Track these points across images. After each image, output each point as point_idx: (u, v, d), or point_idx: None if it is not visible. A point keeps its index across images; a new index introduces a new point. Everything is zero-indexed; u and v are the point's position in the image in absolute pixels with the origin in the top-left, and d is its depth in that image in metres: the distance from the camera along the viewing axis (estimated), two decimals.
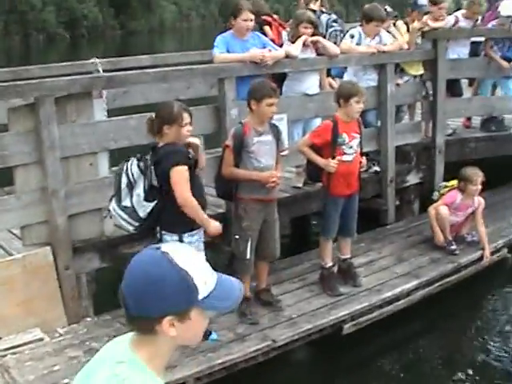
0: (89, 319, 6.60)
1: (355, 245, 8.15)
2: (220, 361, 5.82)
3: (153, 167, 5.48)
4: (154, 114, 5.59)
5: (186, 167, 5.39)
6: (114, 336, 5.56)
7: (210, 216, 6.88)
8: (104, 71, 7.97)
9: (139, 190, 5.54)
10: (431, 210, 8.18)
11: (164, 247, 2.22)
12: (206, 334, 5.99)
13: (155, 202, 5.53)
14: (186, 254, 2.23)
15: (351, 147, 6.78)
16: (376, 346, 6.99)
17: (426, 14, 9.44)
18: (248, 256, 6.34)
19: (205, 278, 2.20)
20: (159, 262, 2.16)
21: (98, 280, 6.87)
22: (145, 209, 5.56)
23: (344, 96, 6.72)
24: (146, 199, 5.54)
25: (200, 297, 2.17)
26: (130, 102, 8.30)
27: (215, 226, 5.61)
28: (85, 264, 6.67)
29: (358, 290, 7.11)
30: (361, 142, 6.95)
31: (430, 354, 6.81)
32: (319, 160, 6.77)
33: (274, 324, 6.38)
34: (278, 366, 6.23)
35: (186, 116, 5.47)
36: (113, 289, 7.10)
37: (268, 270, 6.83)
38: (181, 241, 5.51)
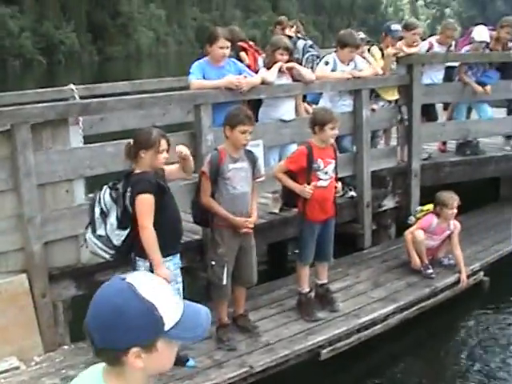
0: (65, 347, 6.54)
1: (332, 270, 8.16)
2: None
3: (126, 194, 5.48)
4: (132, 140, 5.60)
5: (150, 196, 5.37)
6: (91, 364, 5.54)
7: (186, 243, 6.94)
8: (81, 97, 7.97)
9: (112, 219, 5.55)
10: (407, 234, 8.21)
11: (129, 278, 2.21)
12: (184, 361, 5.98)
13: (128, 229, 5.52)
14: (152, 285, 2.22)
15: (326, 173, 6.81)
16: (354, 371, 6.98)
17: (400, 39, 9.52)
18: (225, 282, 6.33)
19: (170, 309, 2.20)
20: (124, 293, 2.16)
21: (75, 307, 6.82)
22: (119, 237, 5.56)
23: (319, 123, 6.78)
24: (119, 227, 5.54)
25: (166, 328, 2.17)
26: (106, 129, 8.29)
27: (164, 273, 5.42)
28: (61, 291, 6.62)
29: (336, 315, 7.10)
30: (336, 168, 6.99)
31: (408, 379, 6.83)
32: (295, 186, 6.80)
33: (252, 350, 6.36)
34: None
35: (163, 143, 5.47)
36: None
37: (245, 296, 6.82)
38: (150, 269, 5.49)
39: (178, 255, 5.81)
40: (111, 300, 2.16)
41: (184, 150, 5.72)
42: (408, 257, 8.29)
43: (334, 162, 6.92)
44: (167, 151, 5.55)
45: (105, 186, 5.64)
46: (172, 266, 5.66)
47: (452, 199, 8.02)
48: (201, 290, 7.56)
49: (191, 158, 5.90)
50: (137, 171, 5.52)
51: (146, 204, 5.39)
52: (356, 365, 7.01)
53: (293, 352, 6.43)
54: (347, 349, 6.88)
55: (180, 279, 5.90)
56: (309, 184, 6.70)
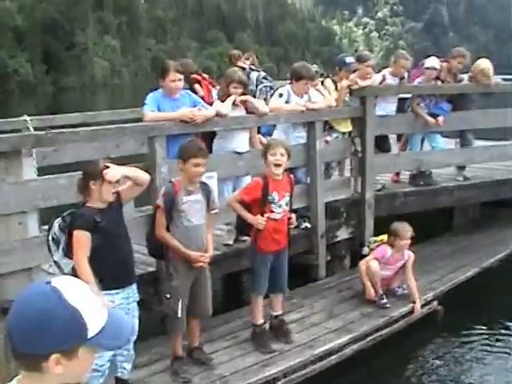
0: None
1: (287, 301, 8.16)
2: None
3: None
4: (81, 173, 5.59)
5: (84, 232, 5.35)
6: None
7: (140, 275, 6.89)
8: (34, 129, 7.92)
9: (61, 248, 5.53)
10: (362, 264, 8.26)
11: (54, 282, 2.16)
12: None
13: None
14: (77, 291, 2.18)
15: (280, 206, 6.85)
16: None
17: (354, 72, 9.62)
18: (179, 314, 6.30)
19: (94, 316, 2.16)
20: (48, 297, 2.11)
21: None
22: (67, 265, 5.54)
23: (264, 150, 6.88)
24: (67, 256, 5.51)
25: (89, 335, 2.14)
26: (60, 160, 8.24)
27: (104, 299, 5.45)
28: None
29: (291, 347, 7.09)
30: (291, 200, 7.02)
31: None
32: (248, 216, 6.81)
33: (207, 383, 6.31)
34: None
35: None
36: None
37: (200, 328, 6.79)
38: None
39: (132, 289, 5.76)
40: (35, 303, 2.11)
41: (113, 176, 5.63)
42: (362, 287, 8.33)
43: (288, 194, 6.94)
44: (118, 181, 5.52)
45: (59, 216, 5.61)
46: (119, 299, 5.59)
47: (405, 230, 8.09)
48: (156, 322, 7.50)
49: (133, 170, 5.86)
50: (87, 204, 5.49)
51: (78, 240, 5.37)
52: None
53: None
54: (302, 380, 6.87)
55: (136, 313, 5.86)
56: (262, 215, 6.72)
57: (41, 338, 2.08)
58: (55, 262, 5.61)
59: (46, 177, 6.89)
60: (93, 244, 5.39)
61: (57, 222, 5.56)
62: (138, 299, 5.88)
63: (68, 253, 5.49)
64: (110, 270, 5.46)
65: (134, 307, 5.82)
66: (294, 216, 7.07)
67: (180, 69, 7.70)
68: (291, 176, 7.11)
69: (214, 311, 6.85)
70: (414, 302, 8.21)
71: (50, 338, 2.08)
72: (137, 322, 5.83)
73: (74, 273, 5.51)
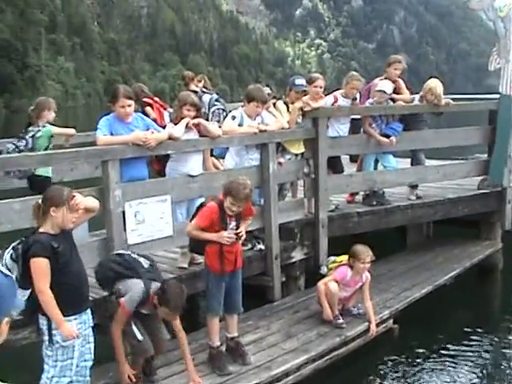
0: None
1: (243, 322, 8.19)
2: None
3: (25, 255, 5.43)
4: (40, 200, 5.53)
5: (43, 259, 5.32)
6: None
7: (96, 300, 6.87)
8: None
9: (14, 278, 5.47)
10: (321, 285, 8.28)
11: None
12: None
13: (29, 289, 5.45)
14: None
15: (232, 228, 6.89)
16: None
17: (304, 93, 9.70)
18: (140, 337, 6.33)
19: None
20: None
21: None
22: (21, 296, 5.47)
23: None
24: (20, 287, 5.45)
25: None
26: (13, 185, 8.19)
27: (67, 330, 5.43)
28: None
29: (248, 368, 7.08)
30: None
31: None
32: (211, 236, 6.82)
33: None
34: None
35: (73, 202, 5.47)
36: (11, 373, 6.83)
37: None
38: (49, 325, 5.46)
39: (87, 314, 5.74)
40: None
41: (82, 204, 5.64)
42: (320, 307, 8.36)
43: (247, 219, 7.04)
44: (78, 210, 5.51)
45: (10, 246, 5.56)
46: (76, 325, 5.57)
47: (366, 254, 8.15)
48: (112, 347, 7.45)
49: (90, 200, 5.85)
50: (40, 230, 5.46)
51: (39, 268, 5.35)
52: None
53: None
54: None
55: (91, 339, 5.83)
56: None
57: None
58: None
59: None
60: (51, 269, 5.36)
61: (7, 253, 5.51)
62: (92, 324, 5.86)
63: (24, 283, 5.42)
64: (69, 296, 5.45)
65: (90, 333, 5.80)
66: (243, 234, 7.05)
67: (129, 94, 7.69)
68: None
69: (171, 334, 6.83)
70: (369, 322, 8.27)
71: None
72: (92, 346, 5.81)
73: (29, 303, 5.48)
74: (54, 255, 5.35)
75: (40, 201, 5.52)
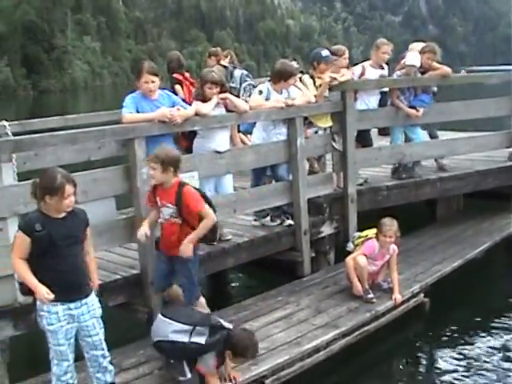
0: None
1: (273, 298, 8.21)
2: None
3: None
4: (38, 179, 5.46)
5: (22, 235, 5.30)
6: None
7: (125, 278, 6.87)
8: (13, 134, 7.85)
9: None
10: (349, 260, 8.23)
11: None
12: None
13: None
14: None
15: (163, 213, 6.82)
16: None
17: (333, 64, 9.62)
18: (189, 375, 6.28)
19: None
20: None
21: (12, 348, 6.68)
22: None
23: None
24: None
25: None
26: (41, 165, 8.13)
27: (39, 293, 5.30)
28: None
29: (278, 344, 7.07)
30: (177, 214, 6.75)
31: None
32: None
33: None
34: None
35: (68, 188, 5.33)
36: (28, 356, 6.94)
37: None
38: (40, 308, 5.45)
39: (86, 304, 5.61)
40: None
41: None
42: (349, 282, 8.33)
43: (172, 206, 6.74)
44: (74, 193, 5.45)
45: None
46: (62, 311, 5.46)
47: (388, 227, 8.10)
48: (141, 324, 7.47)
49: None
50: (41, 210, 5.41)
51: (15, 241, 5.38)
52: None
53: (236, 383, 6.39)
54: (291, 377, 6.86)
55: (98, 330, 5.72)
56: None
57: None
58: None
59: (26, 182, 6.82)
60: (34, 251, 5.32)
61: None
62: (98, 315, 5.72)
63: None
64: (51, 282, 5.34)
65: (94, 324, 5.68)
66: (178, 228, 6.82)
67: (154, 70, 7.64)
68: (185, 190, 6.71)
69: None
70: (393, 292, 8.24)
71: None
72: (100, 337, 5.75)
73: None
74: (35, 238, 5.30)
75: (37, 182, 5.45)
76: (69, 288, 5.47)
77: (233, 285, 10.64)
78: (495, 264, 10.38)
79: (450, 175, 11.00)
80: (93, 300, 5.69)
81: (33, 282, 5.33)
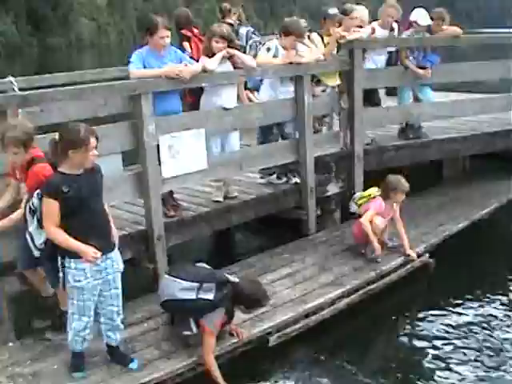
0: (11, 344, 6.40)
1: (278, 256, 8.24)
2: (147, 379, 5.76)
3: None
4: (57, 136, 5.40)
5: (51, 200, 5.23)
6: (37, 360, 5.49)
7: (131, 234, 6.86)
8: (20, 90, 7.81)
9: (36, 217, 5.44)
10: (366, 222, 8.14)
11: None
12: (126, 361, 5.93)
13: None
14: None
15: None
16: (302, 357, 6.97)
17: (339, 23, 9.54)
18: (196, 330, 6.26)
19: None
20: None
21: (19, 303, 6.71)
22: (40, 237, 5.44)
23: None
24: (41, 227, 5.43)
25: None
26: (47, 121, 8.11)
27: (86, 254, 5.32)
28: (5, 287, 6.50)
29: (283, 301, 7.13)
30: None
31: (357, 362, 6.85)
32: None
33: (200, 340, 6.32)
34: (205, 381, 6.15)
35: (92, 140, 5.31)
36: (34, 311, 6.94)
37: None
38: (65, 266, 5.42)
39: (110, 259, 5.62)
40: None
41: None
42: (355, 241, 8.38)
43: None
44: (96, 147, 5.42)
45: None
46: (88, 267, 5.44)
47: (404, 184, 8.14)
48: (147, 280, 7.51)
49: None
50: (58, 169, 5.38)
51: (45, 208, 5.29)
52: (305, 350, 7.01)
53: (241, 339, 6.44)
54: (295, 334, 6.90)
55: (118, 284, 5.75)
56: None
57: None
58: (29, 233, 5.53)
59: None
60: (62, 212, 5.27)
61: (36, 193, 5.46)
62: (121, 269, 5.75)
63: (41, 224, 5.42)
64: (83, 240, 5.35)
65: (116, 278, 5.72)
66: None
67: (168, 25, 7.60)
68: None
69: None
70: (403, 245, 8.36)
71: None
72: (119, 292, 5.78)
73: (47, 245, 5.46)
74: (64, 199, 5.24)
75: (57, 138, 5.41)
76: (98, 244, 5.46)
77: (238, 242, 10.65)
78: (501, 226, 10.35)
79: (458, 136, 10.97)
80: (116, 254, 5.72)
81: (76, 245, 5.32)
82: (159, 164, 7.45)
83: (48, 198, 5.25)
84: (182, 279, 6.14)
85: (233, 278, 6.26)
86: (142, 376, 5.78)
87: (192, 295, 6.03)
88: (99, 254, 5.37)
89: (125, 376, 5.78)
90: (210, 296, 6.02)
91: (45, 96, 6.86)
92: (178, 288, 6.11)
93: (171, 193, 8.15)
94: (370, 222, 8.13)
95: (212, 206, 8.30)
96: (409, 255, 8.30)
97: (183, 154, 7.60)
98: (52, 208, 5.24)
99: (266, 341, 6.68)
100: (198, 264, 6.60)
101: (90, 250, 5.33)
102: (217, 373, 6.03)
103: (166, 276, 6.34)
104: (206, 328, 6.05)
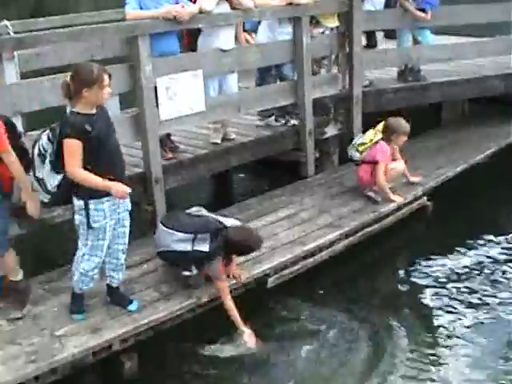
0: None
1: (276, 198, 8.24)
2: (146, 321, 5.80)
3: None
4: (69, 77, 5.33)
5: (75, 141, 5.18)
6: (37, 303, 5.49)
7: (128, 176, 6.83)
8: (16, 33, 7.72)
9: (48, 160, 5.40)
10: (383, 181, 8.14)
11: None
12: (125, 302, 5.95)
13: (62, 174, 5.37)
14: None
15: None
16: (301, 297, 7.02)
17: None
18: (196, 271, 6.32)
19: None
20: None
21: (17, 247, 6.70)
22: (53, 181, 5.41)
23: None
24: (53, 170, 5.39)
25: None
26: (43, 64, 8.03)
27: (118, 190, 5.35)
28: None
29: (282, 243, 7.15)
30: None
31: (354, 302, 6.92)
32: None
33: (199, 281, 6.35)
34: (204, 322, 6.20)
35: (105, 78, 5.28)
36: (33, 255, 6.93)
37: None
38: (86, 207, 5.40)
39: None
40: None
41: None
42: (361, 183, 8.40)
43: None
44: (109, 85, 5.37)
45: (48, 128, 5.47)
46: (109, 207, 5.49)
47: (407, 126, 8.17)
48: (145, 222, 7.51)
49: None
50: (74, 110, 5.34)
51: (69, 148, 5.22)
52: (303, 291, 7.06)
53: (241, 281, 6.48)
54: (294, 276, 6.95)
55: (127, 223, 5.79)
56: None
57: None
58: (38, 179, 5.50)
59: (28, 80, 6.75)
60: (85, 152, 5.24)
61: (45, 135, 5.41)
62: (129, 208, 5.78)
63: (56, 166, 5.36)
64: (104, 177, 5.34)
65: (125, 216, 5.75)
66: None
67: None
68: None
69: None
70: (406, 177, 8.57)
71: None
72: (127, 231, 5.81)
73: (61, 189, 5.44)
74: (87, 138, 5.22)
75: (69, 79, 5.34)
76: (121, 180, 5.51)
77: (237, 185, 10.65)
78: (500, 169, 10.31)
79: (457, 79, 10.87)
80: None
81: (104, 183, 5.31)
82: (157, 106, 7.39)
83: (73, 139, 5.20)
84: (176, 230, 6.15)
85: (224, 220, 6.31)
86: (141, 317, 5.82)
87: (187, 247, 6.05)
88: (129, 189, 5.41)
89: (124, 317, 5.81)
90: (205, 247, 6.03)
91: (40, 38, 6.77)
92: (172, 239, 6.13)
93: (169, 135, 8.13)
94: (393, 168, 8.27)
95: (210, 148, 8.28)
96: (413, 183, 8.49)
97: (181, 96, 7.54)
98: (76, 148, 5.21)
99: (265, 282, 6.72)
100: (194, 208, 6.58)
101: (120, 186, 5.35)
102: (236, 316, 6.09)
103: (161, 226, 6.34)
104: (214, 277, 6.10)
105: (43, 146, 5.40)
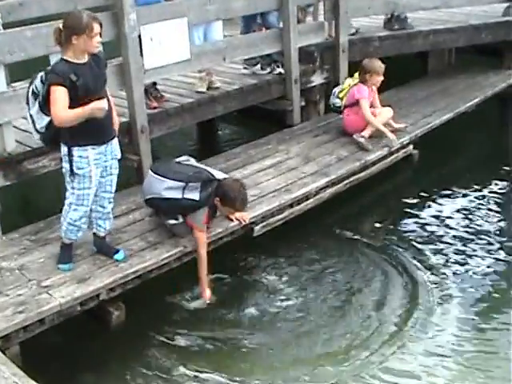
0: None
1: (263, 146, 8.26)
2: (133, 269, 5.80)
3: None
4: (61, 24, 5.25)
5: (60, 87, 5.12)
6: (23, 254, 5.48)
7: None
8: None
9: (38, 100, 5.37)
10: (370, 118, 8.19)
11: None
12: (112, 252, 5.95)
13: (49, 117, 5.34)
14: None
15: None
16: (287, 246, 7.07)
17: None
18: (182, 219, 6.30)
19: None
20: None
21: (2, 198, 6.68)
22: (41, 121, 5.38)
23: None
24: (42, 111, 5.35)
25: None
26: (26, 15, 7.89)
27: (93, 109, 5.17)
28: None
29: (269, 191, 7.14)
30: None
31: (340, 249, 6.98)
32: None
33: (185, 230, 6.33)
34: (192, 270, 6.22)
35: (96, 26, 5.20)
36: (19, 206, 6.91)
37: None
38: (70, 154, 5.37)
39: (111, 145, 5.59)
40: None
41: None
42: (350, 130, 8.39)
43: None
44: (100, 34, 5.31)
45: (43, 70, 5.41)
46: (94, 155, 5.45)
47: (381, 66, 8.17)
48: (131, 171, 7.48)
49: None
50: (63, 57, 5.28)
51: (54, 94, 5.16)
52: (290, 238, 7.10)
53: (226, 230, 6.48)
54: (280, 224, 6.96)
55: (115, 171, 5.74)
56: None
57: None
58: (31, 115, 5.45)
59: (10, 30, 6.66)
60: (69, 100, 5.17)
61: (39, 76, 5.36)
62: (118, 157, 5.73)
63: (44, 107, 5.31)
64: (86, 127, 5.26)
65: (113, 165, 5.70)
66: None
67: None
68: None
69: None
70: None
71: None
72: (114, 178, 5.77)
73: (49, 130, 5.39)
74: (72, 87, 5.16)
75: (61, 26, 5.29)
76: (104, 131, 5.47)
77: (222, 134, 10.63)
78: (485, 118, 10.34)
79: (444, 28, 10.78)
80: (116, 142, 5.70)
81: (81, 110, 5.17)
82: (141, 55, 7.31)
83: (58, 86, 5.14)
84: (167, 178, 6.13)
85: (216, 173, 6.27)
86: (128, 266, 5.82)
87: (177, 195, 6.03)
88: (104, 103, 5.26)
89: (111, 267, 5.80)
90: (196, 196, 6.02)
91: None
92: (163, 187, 6.10)
93: (155, 84, 8.06)
94: (381, 115, 8.25)
95: (195, 96, 8.22)
96: (399, 130, 8.52)
97: (165, 45, 7.46)
98: (60, 95, 5.15)
99: (251, 230, 6.72)
100: (183, 158, 6.55)
101: (96, 104, 5.20)
102: (204, 269, 6.08)
103: (151, 174, 6.31)
104: (195, 226, 6.09)
105: (36, 86, 5.35)
